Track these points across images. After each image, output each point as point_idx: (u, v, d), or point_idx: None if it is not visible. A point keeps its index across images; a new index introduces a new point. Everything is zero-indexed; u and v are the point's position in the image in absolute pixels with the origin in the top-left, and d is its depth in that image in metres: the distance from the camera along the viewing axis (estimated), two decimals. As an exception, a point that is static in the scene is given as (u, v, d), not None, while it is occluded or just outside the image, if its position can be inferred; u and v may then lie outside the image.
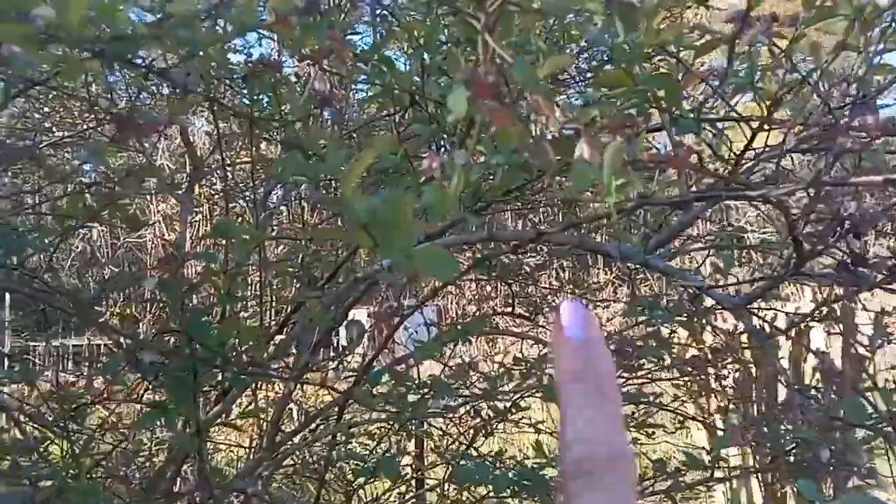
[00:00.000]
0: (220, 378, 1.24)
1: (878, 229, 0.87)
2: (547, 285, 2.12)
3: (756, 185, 0.72)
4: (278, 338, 1.69)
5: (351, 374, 1.60)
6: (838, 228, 0.79)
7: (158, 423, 1.16)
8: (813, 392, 1.19)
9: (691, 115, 0.66)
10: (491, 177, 1.38)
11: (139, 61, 0.74)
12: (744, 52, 0.96)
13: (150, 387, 1.35)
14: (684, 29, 0.67)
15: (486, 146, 1.00)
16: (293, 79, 1.11)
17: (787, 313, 1.20)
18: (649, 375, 1.41)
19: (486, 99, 0.43)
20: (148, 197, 5.09)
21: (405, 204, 0.33)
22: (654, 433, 1.61)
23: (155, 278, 0.91)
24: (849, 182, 0.61)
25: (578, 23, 0.71)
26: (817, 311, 0.94)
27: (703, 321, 1.17)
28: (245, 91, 1.16)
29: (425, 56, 1.03)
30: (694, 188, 1.17)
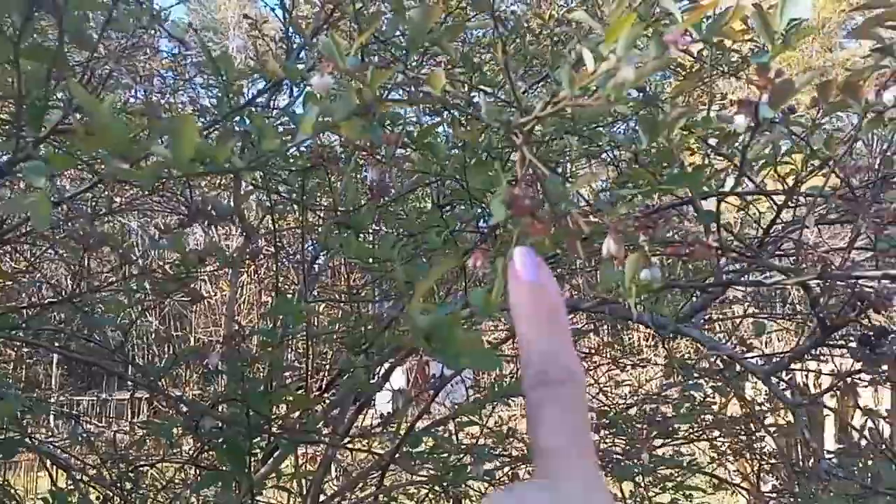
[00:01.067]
0: (268, 441, 1.31)
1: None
2: (586, 347, 2.15)
3: (773, 266, 0.78)
4: (320, 401, 1.75)
5: (391, 436, 1.65)
6: (858, 304, 0.83)
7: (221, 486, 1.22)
8: (849, 457, 1.20)
9: (717, 203, 0.72)
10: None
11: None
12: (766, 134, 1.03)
13: (204, 450, 1.42)
14: (705, 113, 0.73)
15: (545, 252, 1.07)
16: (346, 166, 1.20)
17: (821, 372, 1.22)
18: (685, 437, 1.43)
19: (523, 216, 0.50)
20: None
21: (458, 319, 0.39)
22: (691, 496, 1.62)
23: (219, 353, 0.99)
24: (850, 276, 0.66)
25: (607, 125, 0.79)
26: (849, 377, 0.97)
27: (736, 385, 1.20)
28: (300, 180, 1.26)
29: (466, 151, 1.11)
30: (723, 261, 1.22)
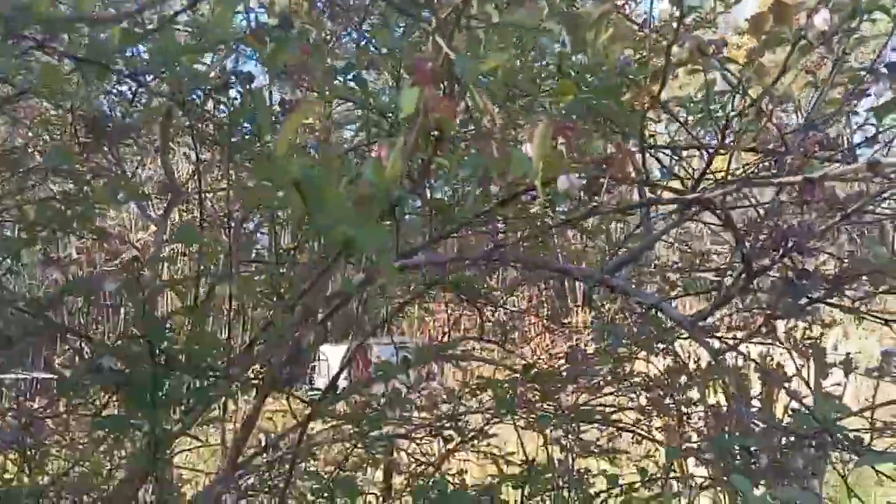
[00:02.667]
0: (184, 392, 1.23)
1: (824, 250, 0.91)
2: (517, 311, 2.14)
3: (697, 192, 0.75)
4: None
5: (316, 392, 1.59)
6: (782, 244, 0.82)
7: (119, 441, 1.14)
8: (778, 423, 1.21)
9: (637, 128, 0.69)
10: (461, 202, 1.41)
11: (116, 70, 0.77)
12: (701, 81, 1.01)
13: (111, 398, 1.34)
14: (634, 47, 0.70)
15: (451, 161, 1.02)
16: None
17: (741, 341, 1.23)
18: (611, 396, 1.43)
19: (427, 85, 0.45)
20: (127, 224, 5.07)
21: (338, 165, 0.34)
22: (618, 459, 1.62)
23: (116, 282, 0.92)
24: (774, 182, 0.64)
25: (533, 37, 0.75)
26: (765, 327, 0.96)
27: (662, 343, 1.19)
28: (220, 105, 1.18)
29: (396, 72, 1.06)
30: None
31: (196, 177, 1.55)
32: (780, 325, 1.53)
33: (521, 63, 0.84)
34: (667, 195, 0.87)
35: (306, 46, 0.81)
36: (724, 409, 1.71)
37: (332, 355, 2.77)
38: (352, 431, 1.35)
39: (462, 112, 0.74)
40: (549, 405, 1.21)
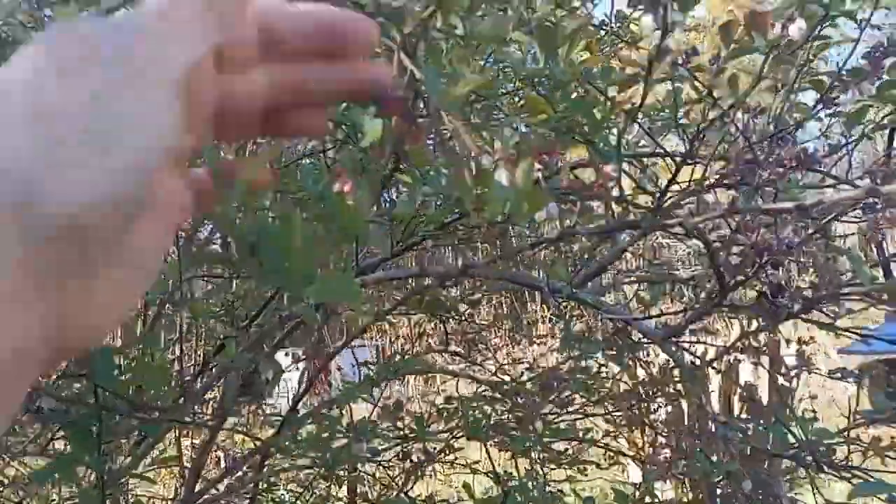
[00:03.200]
0: (133, 425, 1.16)
1: (798, 264, 0.89)
2: (482, 322, 2.10)
3: (675, 215, 0.72)
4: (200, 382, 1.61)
5: (277, 418, 1.53)
6: (757, 259, 0.79)
7: (61, 477, 1.06)
8: (740, 424, 1.20)
9: (613, 145, 0.65)
10: (424, 213, 1.36)
11: None
12: (668, 90, 0.98)
13: (54, 437, 1.25)
14: (604, 60, 0.67)
15: (415, 180, 0.98)
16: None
17: (714, 346, 1.21)
18: (581, 410, 1.40)
19: (395, 115, 0.40)
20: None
21: (296, 222, 0.29)
22: (586, 470, 1.59)
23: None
24: (762, 208, 0.61)
25: (503, 51, 0.71)
26: (742, 342, 0.94)
27: (632, 355, 1.16)
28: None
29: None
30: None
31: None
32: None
33: (488, 77, 0.80)
34: (641, 212, 0.84)
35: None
36: (692, 421, 1.71)
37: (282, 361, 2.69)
38: (316, 459, 1.28)
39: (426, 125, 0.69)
40: (519, 422, 1.17)
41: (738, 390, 2.28)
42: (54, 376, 1.03)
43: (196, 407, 1.39)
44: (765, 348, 1.42)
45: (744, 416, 1.76)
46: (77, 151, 0.20)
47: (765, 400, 2.82)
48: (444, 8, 0.53)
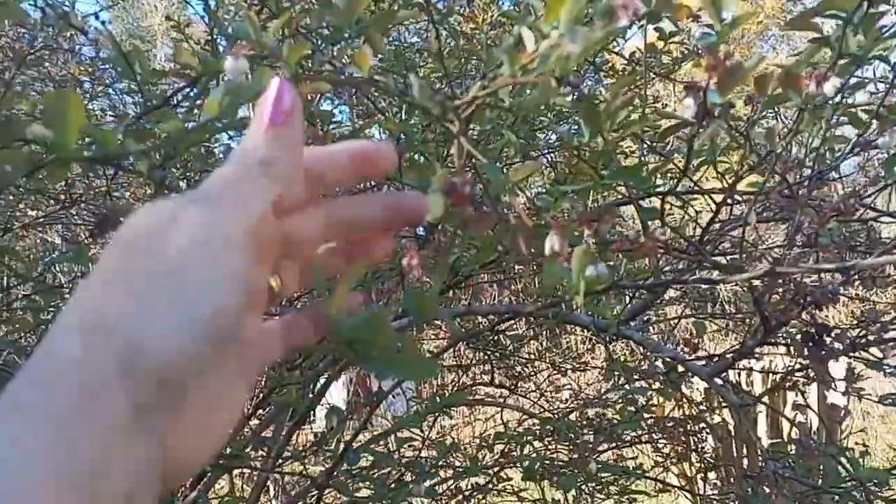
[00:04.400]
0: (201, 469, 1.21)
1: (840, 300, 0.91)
2: (528, 353, 2.13)
3: (717, 265, 0.75)
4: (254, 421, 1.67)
5: (329, 453, 1.58)
6: (801, 301, 0.82)
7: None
8: (789, 456, 1.20)
9: (657, 209, 0.69)
10: (467, 251, 1.41)
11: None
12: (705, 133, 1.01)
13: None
14: (646, 110, 0.70)
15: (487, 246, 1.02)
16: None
17: (759, 371, 1.22)
18: (630, 443, 1.41)
19: (463, 207, 0.45)
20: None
21: (384, 322, 0.34)
22: (635, 499, 1.60)
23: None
24: (803, 269, 0.64)
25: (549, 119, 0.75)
26: (787, 379, 0.96)
27: (678, 387, 1.18)
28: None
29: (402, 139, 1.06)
30: (663, 261, 1.20)
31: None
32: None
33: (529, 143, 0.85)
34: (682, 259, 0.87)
35: (316, 131, 0.82)
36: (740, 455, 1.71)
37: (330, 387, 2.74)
38: (372, 496, 1.32)
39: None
40: (570, 462, 1.20)
41: (787, 413, 2.25)
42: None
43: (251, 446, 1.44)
44: (812, 372, 1.42)
45: (793, 437, 1.75)
46: (165, 312, 0.24)
47: (814, 422, 2.77)
48: (494, 94, 0.57)
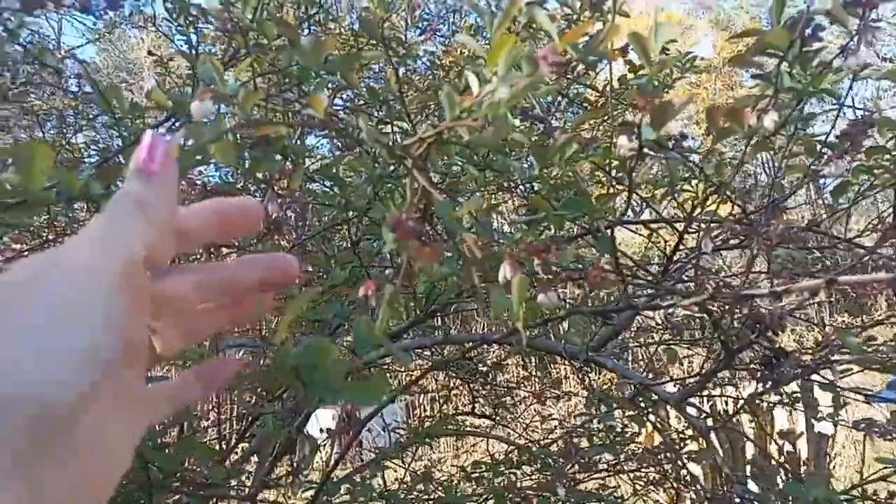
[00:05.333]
0: (176, 499, 1.22)
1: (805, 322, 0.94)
2: (508, 382, 2.14)
3: (673, 291, 0.78)
4: (240, 449, 1.67)
5: (311, 486, 1.58)
6: (756, 326, 0.85)
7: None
8: (764, 481, 1.22)
9: (609, 239, 0.72)
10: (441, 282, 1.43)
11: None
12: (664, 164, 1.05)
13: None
14: (607, 128, 0.74)
15: (433, 278, 1.05)
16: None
17: (730, 397, 1.25)
18: (607, 470, 1.43)
19: (408, 240, 0.48)
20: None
21: (326, 348, 0.37)
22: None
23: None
24: (741, 294, 0.67)
25: (503, 156, 0.78)
26: (748, 405, 0.99)
27: (651, 414, 1.21)
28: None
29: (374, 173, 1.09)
30: (630, 289, 1.23)
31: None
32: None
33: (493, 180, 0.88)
34: (643, 282, 0.90)
35: (285, 166, 0.85)
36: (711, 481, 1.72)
37: (319, 419, 2.74)
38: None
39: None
40: (540, 487, 1.21)
41: (775, 438, 2.27)
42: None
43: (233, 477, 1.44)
44: (799, 395, 1.45)
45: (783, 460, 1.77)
46: (39, 359, 0.24)
47: (803, 448, 2.78)
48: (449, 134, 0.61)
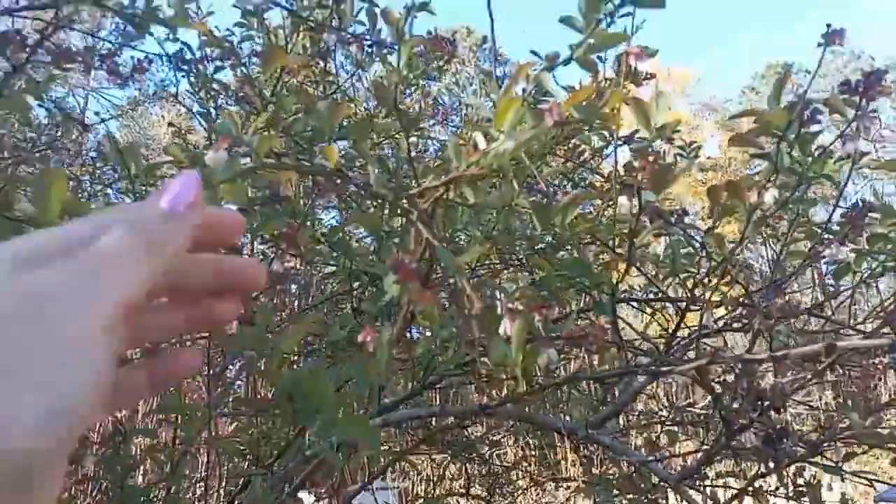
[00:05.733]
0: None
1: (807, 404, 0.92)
2: (505, 462, 2.08)
3: (672, 362, 0.78)
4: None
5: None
6: (758, 403, 0.84)
7: None
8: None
9: (608, 298, 0.73)
10: (442, 353, 1.42)
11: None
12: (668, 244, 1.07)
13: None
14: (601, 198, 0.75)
15: (434, 322, 1.05)
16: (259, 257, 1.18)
17: (732, 488, 1.21)
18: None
19: (410, 282, 0.49)
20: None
21: (323, 376, 0.37)
22: None
23: (95, 455, 0.90)
24: (740, 358, 0.66)
25: (505, 216, 0.80)
26: (750, 488, 0.96)
27: (650, 499, 1.17)
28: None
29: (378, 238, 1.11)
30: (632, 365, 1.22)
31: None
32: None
33: (495, 238, 0.90)
34: (643, 355, 0.89)
35: (293, 224, 0.86)
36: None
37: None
38: None
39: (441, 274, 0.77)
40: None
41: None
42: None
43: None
44: (806, 490, 1.40)
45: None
46: (16, 397, 0.21)
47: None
48: (456, 184, 0.62)
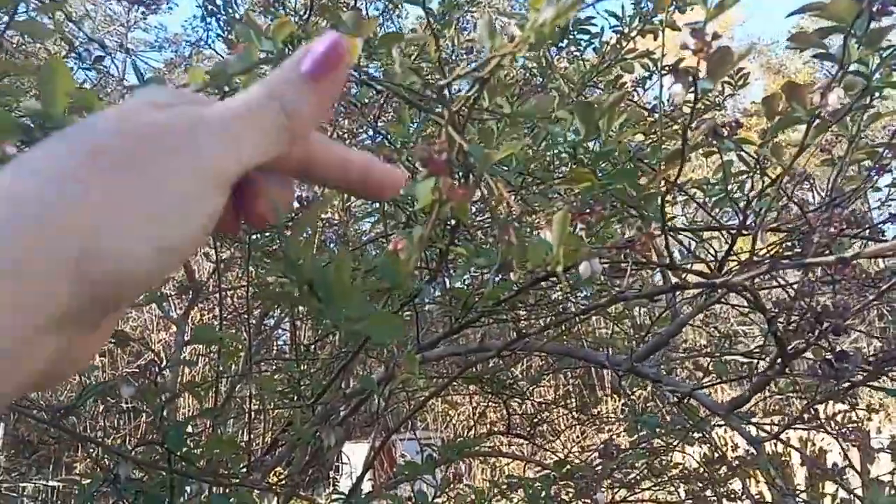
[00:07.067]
0: (203, 496, 1.19)
1: (856, 328, 0.87)
2: (545, 402, 2.07)
3: (720, 277, 0.73)
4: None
5: (340, 496, 1.54)
6: (817, 325, 0.78)
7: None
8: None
9: (657, 211, 0.68)
10: (481, 289, 1.39)
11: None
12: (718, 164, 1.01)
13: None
14: (645, 132, 0.70)
15: (469, 252, 1.02)
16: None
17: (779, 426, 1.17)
18: (650, 489, 1.35)
19: (441, 175, 0.45)
20: (148, 325, 5.09)
21: (345, 264, 0.34)
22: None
23: (134, 386, 0.90)
24: (804, 262, 0.61)
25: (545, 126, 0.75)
26: (807, 414, 0.92)
27: (697, 431, 1.14)
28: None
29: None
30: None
31: (216, 275, 1.56)
32: (820, 409, 1.46)
33: (534, 152, 0.84)
34: (692, 278, 0.84)
35: (387, 149, 0.83)
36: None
37: (354, 453, 2.70)
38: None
39: (478, 201, 0.73)
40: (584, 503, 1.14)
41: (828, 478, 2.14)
42: (133, 443, 1.07)
43: (263, 478, 1.41)
44: (852, 434, 1.35)
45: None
46: (140, 225, 0.23)
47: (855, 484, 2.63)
48: (490, 91, 0.57)
